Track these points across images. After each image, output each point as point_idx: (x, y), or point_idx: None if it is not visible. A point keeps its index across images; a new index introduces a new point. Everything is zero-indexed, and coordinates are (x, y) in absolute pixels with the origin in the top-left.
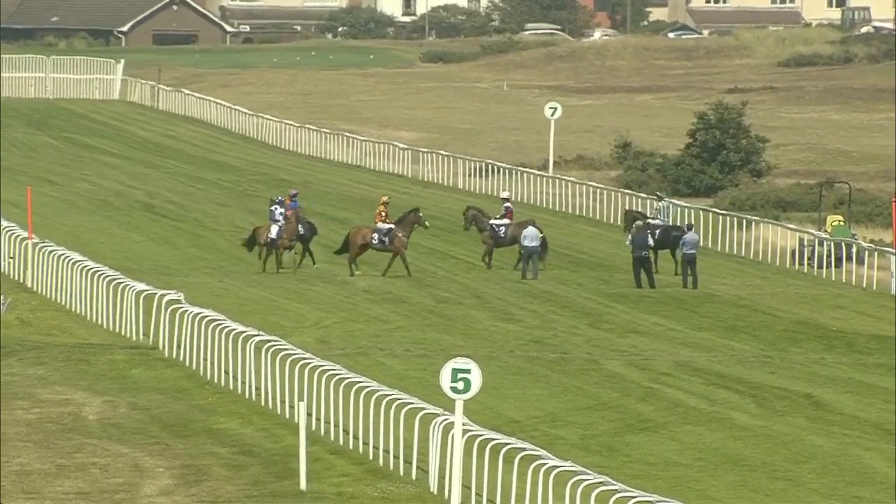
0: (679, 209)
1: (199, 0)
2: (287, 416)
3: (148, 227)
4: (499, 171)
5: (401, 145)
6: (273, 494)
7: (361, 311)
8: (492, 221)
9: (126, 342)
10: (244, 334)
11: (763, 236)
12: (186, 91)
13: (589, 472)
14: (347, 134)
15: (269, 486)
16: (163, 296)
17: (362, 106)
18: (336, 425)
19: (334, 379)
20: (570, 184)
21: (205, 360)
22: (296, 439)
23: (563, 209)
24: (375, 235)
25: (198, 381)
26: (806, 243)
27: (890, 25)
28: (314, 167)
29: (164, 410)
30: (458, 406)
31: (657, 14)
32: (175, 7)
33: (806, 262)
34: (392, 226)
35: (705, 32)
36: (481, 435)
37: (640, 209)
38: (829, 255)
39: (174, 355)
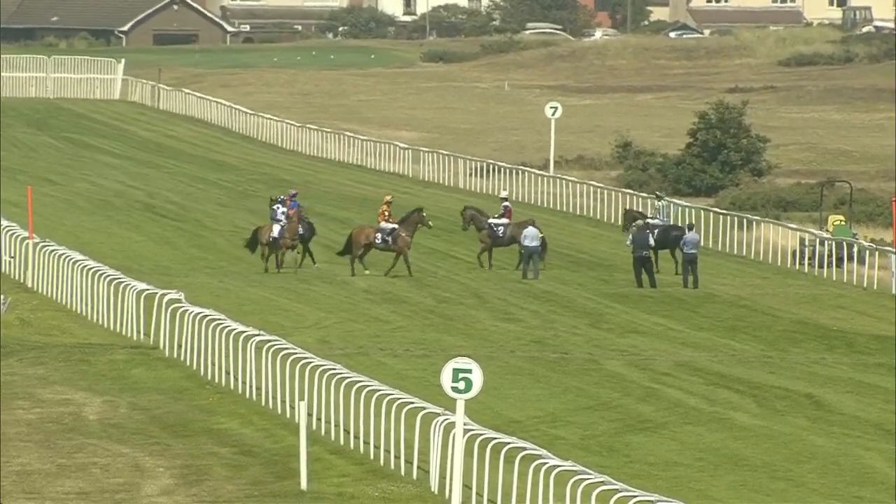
0: (680, 209)
1: (199, 0)
2: (287, 416)
3: (148, 227)
4: (499, 170)
5: (401, 145)
6: (273, 494)
7: (362, 311)
8: (490, 221)
9: (126, 342)
10: (244, 334)
11: (764, 236)
12: (187, 91)
13: (589, 472)
14: (348, 134)
15: (270, 487)
16: (163, 296)
17: (363, 106)
18: (337, 425)
19: (335, 379)
20: (570, 184)
21: (205, 360)
22: (296, 439)
23: (564, 209)
24: (379, 235)
25: (198, 381)
26: (807, 243)
27: (891, 25)
28: (314, 167)
29: (165, 410)
30: (460, 406)
31: (658, 14)
32: (175, 7)
33: (807, 261)
34: (395, 225)
35: (706, 32)
36: (482, 435)
37: (640, 209)
38: (829, 255)
39: (174, 355)
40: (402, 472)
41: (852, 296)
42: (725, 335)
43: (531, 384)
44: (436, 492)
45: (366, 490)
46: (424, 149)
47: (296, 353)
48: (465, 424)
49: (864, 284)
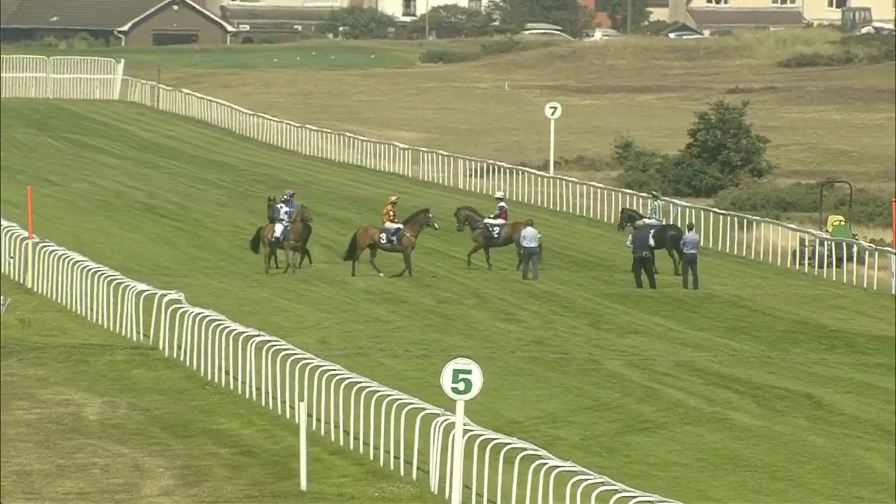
0: (679, 209)
1: (199, 0)
2: (287, 416)
3: (148, 228)
4: (499, 171)
5: (401, 145)
6: (273, 495)
7: (361, 311)
8: (486, 221)
9: (126, 342)
10: (244, 335)
11: (764, 236)
12: (186, 91)
13: (589, 472)
14: (348, 134)
15: (270, 487)
16: (163, 296)
17: (363, 106)
18: (336, 426)
19: (335, 379)
20: (570, 184)
21: (205, 360)
22: (296, 440)
23: (564, 209)
24: (383, 235)
25: (198, 381)
26: (806, 243)
27: (890, 26)
28: (314, 167)
29: (165, 411)
30: (459, 406)
31: (658, 14)
32: (175, 7)
33: (806, 262)
34: (400, 225)
35: (706, 33)
36: (482, 435)
37: (637, 209)
38: (829, 255)
39: (174, 356)
40: (402, 473)
41: (852, 296)
42: (725, 335)
43: (531, 385)
44: (435, 492)
45: (366, 490)
46: (424, 149)
47: (295, 354)
48: (464, 425)
49: (864, 285)
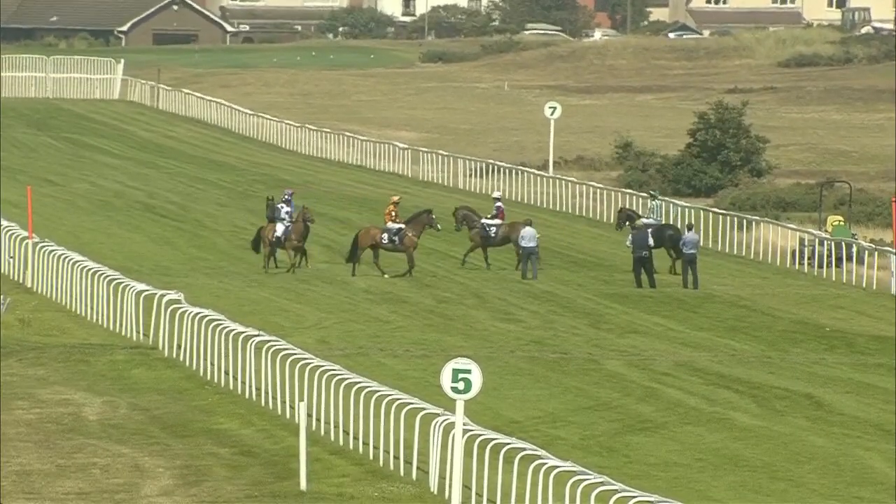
0: (679, 209)
1: (199, 0)
2: (287, 416)
3: (148, 227)
4: (499, 171)
5: (401, 145)
6: (273, 495)
7: (361, 311)
8: (483, 221)
9: (126, 342)
10: (244, 334)
11: (763, 236)
12: (186, 91)
13: (589, 472)
14: (348, 134)
15: (270, 487)
16: (163, 296)
17: (362, 106)
18: (336, 426)
19: (334, 379)
20: (570, 184)
21: (205, 360)
22: (296, 440)
23: (564, 209)
24: (385, 235)
25: (198, 381)
26: (806, 243)
27: (890, 26)
28: (314, 167)
29: (165, 411)
30: (459, 406)
31: (657, 14)
32: (175, 7)
33: (806, 262)
34: (402, 225)
35: (706, 33)
36: (481, 435)
37: (637, 209)
38: (829, 255)
39: (174, 356)
40: (402, 473)
41: (852, 296)
42: (725, 335)
43: (531, 384)
44: (435, 492)
45: (365, 490)
46: (424, 149)
47: (295, 354)
48: (464, 425)
49: (864, 284)
